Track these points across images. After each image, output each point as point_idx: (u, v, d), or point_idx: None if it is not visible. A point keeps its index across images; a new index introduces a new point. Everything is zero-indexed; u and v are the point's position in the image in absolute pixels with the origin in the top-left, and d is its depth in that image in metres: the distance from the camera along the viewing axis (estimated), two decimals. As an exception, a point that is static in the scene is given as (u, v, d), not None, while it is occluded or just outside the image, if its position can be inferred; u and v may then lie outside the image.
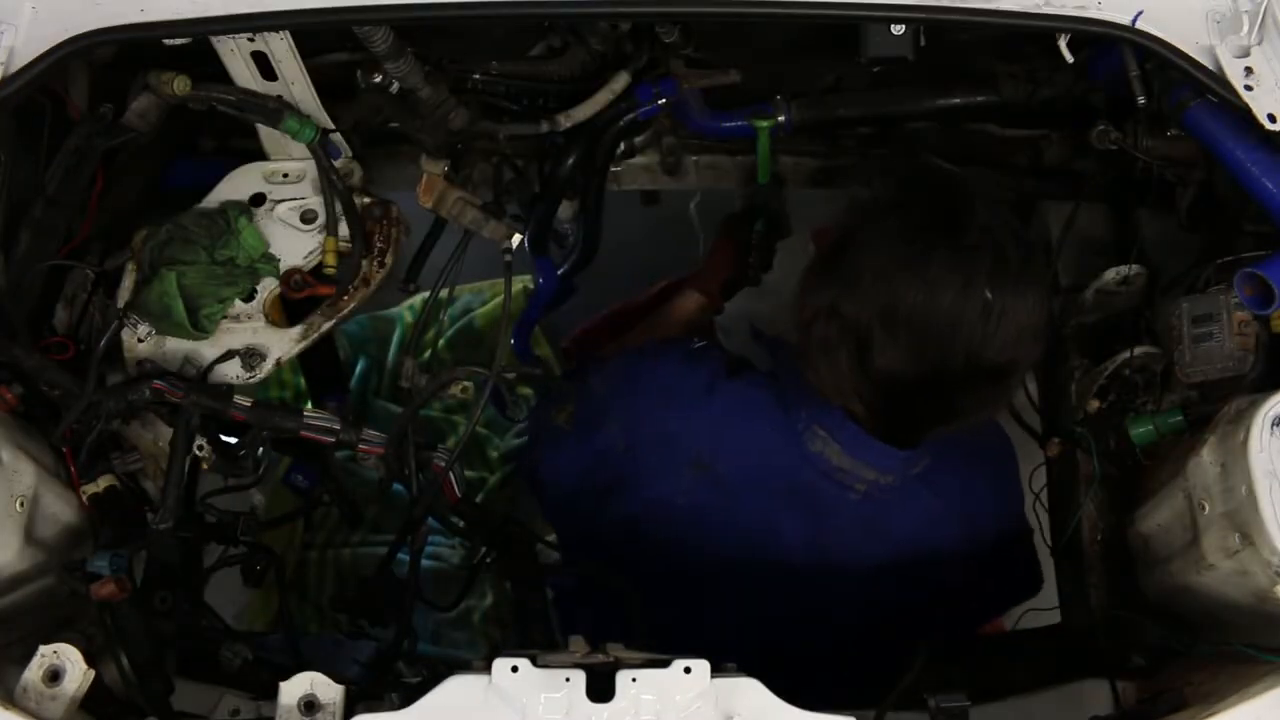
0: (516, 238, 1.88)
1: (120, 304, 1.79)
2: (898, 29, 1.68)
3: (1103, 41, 1.66)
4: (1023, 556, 2.08)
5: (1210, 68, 1.56)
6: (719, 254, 2.45)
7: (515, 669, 1.31)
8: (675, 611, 1.94)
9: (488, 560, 2.09)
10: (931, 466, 1.85)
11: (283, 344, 1.80)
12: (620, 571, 1.94)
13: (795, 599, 1.93)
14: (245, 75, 1.78)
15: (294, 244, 1.84)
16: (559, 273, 2.46)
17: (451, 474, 1.87)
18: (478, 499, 2.77)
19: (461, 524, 2.01)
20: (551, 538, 2.20)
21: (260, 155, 1.92)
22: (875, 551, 1.89)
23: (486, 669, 1.31)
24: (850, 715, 1.32)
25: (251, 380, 1.79)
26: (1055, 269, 2.19)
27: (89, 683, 1.37)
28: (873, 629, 1.95)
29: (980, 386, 1.72)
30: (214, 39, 1.70)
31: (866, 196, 1.82)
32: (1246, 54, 1.57)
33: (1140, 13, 1.57)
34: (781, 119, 2.14)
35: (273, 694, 1.35)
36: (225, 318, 1.79)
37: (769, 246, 2.37)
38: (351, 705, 1.35)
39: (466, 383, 1.87)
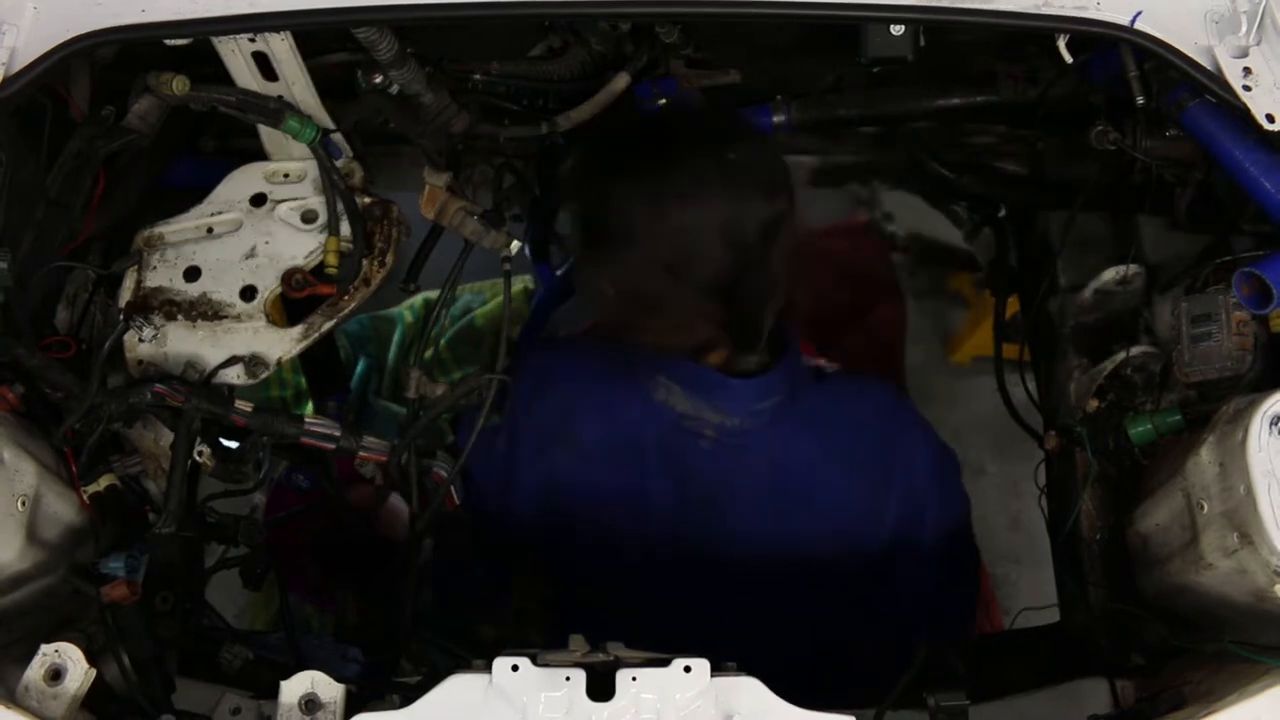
0: (515, 245, 1.89)
1: (121, 304, 1.79)
2: (897, 29, 1.68)
3: (1102, 42, 1.66)
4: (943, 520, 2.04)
5: (1209, 68, 1.57)
6: None
7: (515, 668, 1.31)
8: (605, 597, 1.96)
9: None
10: (788, 403, 1.86)
11: (283, 344, 1.80)
12: (541, 561, 1.99)
13: (696, 568, 1.93)
14: (246, 75, 1.78)
15: (295, 244, 1.84)
16: (559, 273, 2.46)
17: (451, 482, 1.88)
18: None
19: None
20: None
21: (261, 155, 1.92)
22: (748, 502, 1.90)
23: (486, 668, 1.32)
24: (850, 715, 1.32)
25: (253, 383, 1.79)
26: (1055, 269, 2.19)
27: (90, 682, 1.37)
28: (785, 590, 1.94)
29: (766, 250, 1.79)
30: (215, 39, 1.70)
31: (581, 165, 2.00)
32: (1245, 54, 1.57)
33: (1139, 13, 1.57)
34: (781, 119, 2.14)
35: (273, 693, 1.36)
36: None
37: None
38: (352, 704, 1.35)
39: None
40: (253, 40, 1.72)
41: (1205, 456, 1.56)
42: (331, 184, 1.83)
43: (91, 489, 1.67)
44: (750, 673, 1.35)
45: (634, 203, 1.82)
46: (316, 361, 2.48)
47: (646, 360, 1.89)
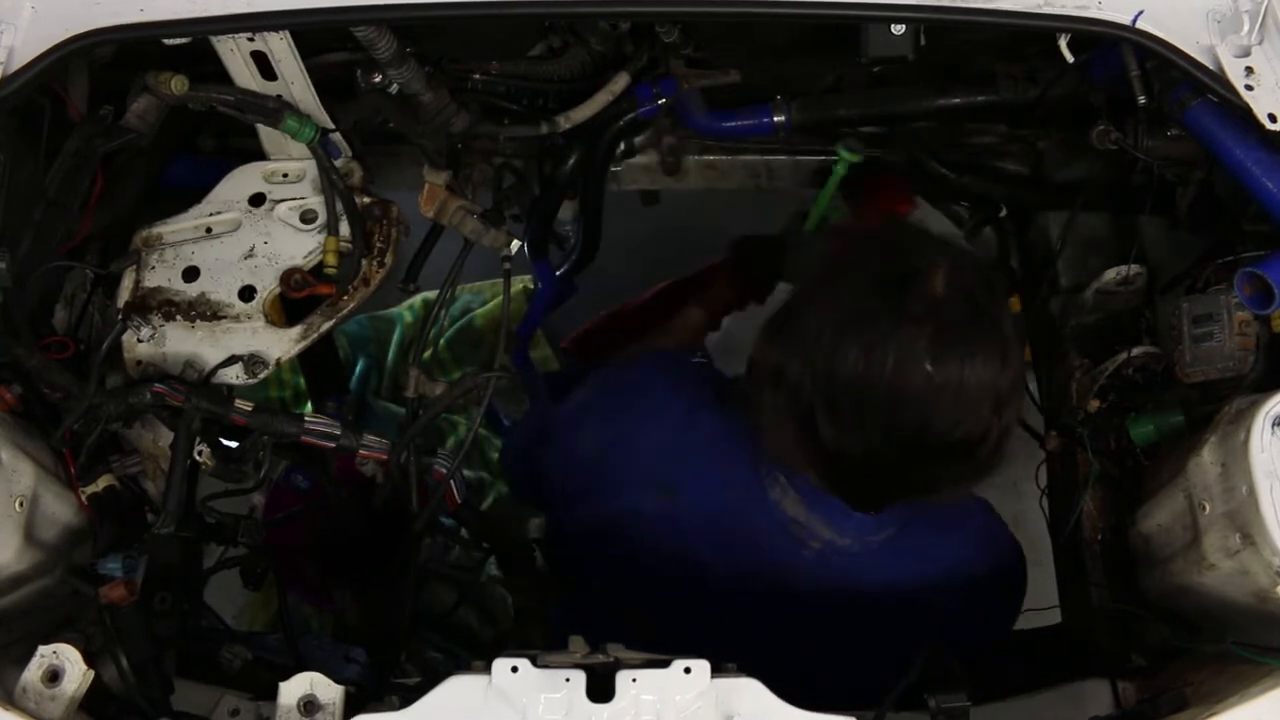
0: (515, 244, 1.88)
1: (120, 304, 1.79)
2: (898, 29, 1.68)
3: (1103, 41, 1.66)
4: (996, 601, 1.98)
5: (1211, 67, 1.56)
6: (726, 274, 2.42)
7: (515, 669, 1.31)
8: (643, 622, 1.89)
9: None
10: (898, 535, 1.76)
11: (282, 344, 1.79)
12: (587, 575, 1.93)
13: (757, 645, 1.81)
14: (245, 75, 1.78)
15: (294, 244, 1.84)
16: (559, 273, 2.46)
17: (452, 479, 1.88)
18: (484, 505, 2.77)
19: (462, 530, 2.01)
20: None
21: (260, 155, 1.92)
22: (827, 616, 1.81)
23: (486, 669, 1.31)
24: (850, 715, 1.32)
25: (252, 383, 1.79)
26: (1056, 269, 2.19)
27: (88, 683, 1.37)
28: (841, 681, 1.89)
29: (937, 462, 1.59)
30: (214, 39, 1.70)
31: (818, 253, 1.74)
32: (1247, 53, 1.57)
33: (1140, 12, 1.57)
34: (781, 119, 2.14)
35: (272, 694, 1.35)
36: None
37: (772, 281, 2.36)
38: (351, 705, 1.35)
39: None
40: (251, 39, 1.72)
41: (1207, 457, 1.56)
42: (330, 184, 1.83)
43: (90, 489, 1.67)
44: (750, 673, 1.35)
45: (837, 330, 1.56)
46: (316, 361, 2.48)
47: (769, 451, 1.73)
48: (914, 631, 1.81)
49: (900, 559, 1.77)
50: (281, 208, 1.86)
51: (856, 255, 1.64)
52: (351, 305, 1.83)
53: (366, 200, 1.88)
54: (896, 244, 1.63)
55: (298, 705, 1.34)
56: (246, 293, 1.81)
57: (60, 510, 1.60)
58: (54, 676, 1.35)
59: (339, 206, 1.83)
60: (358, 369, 3.05)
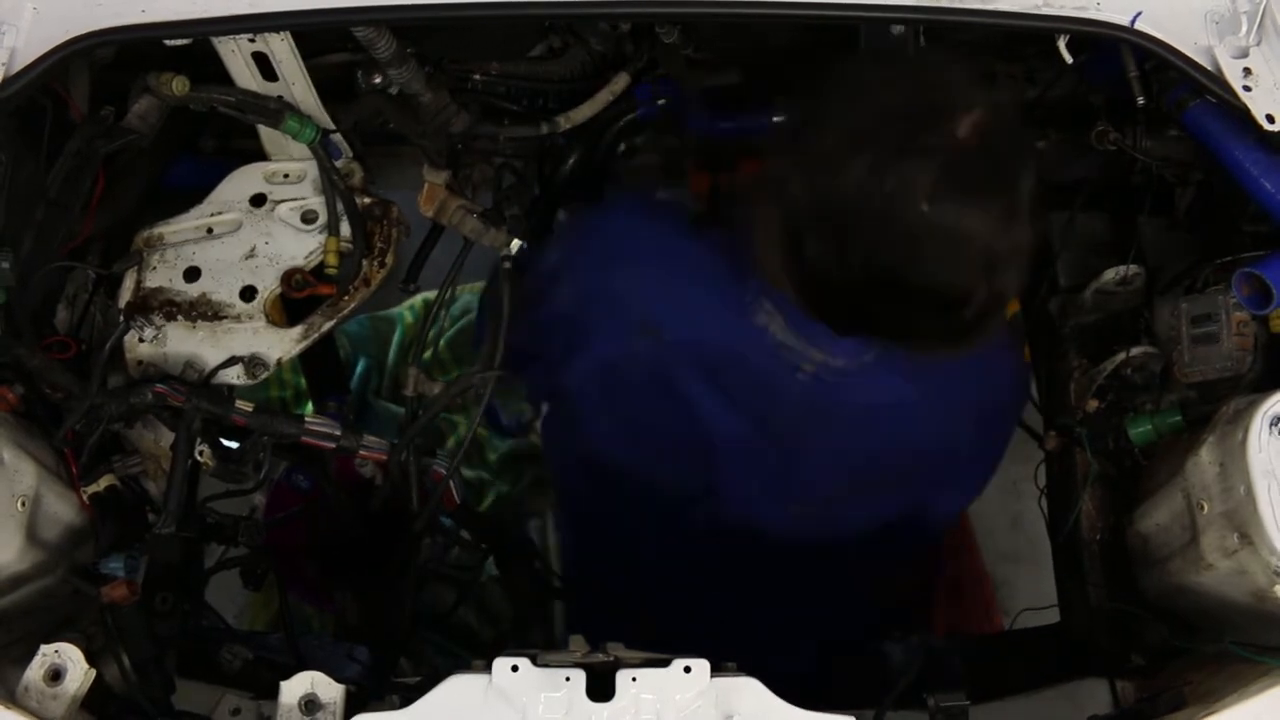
0: (516, 244, 1.89)
1: (121, 305, 1.79)
2: (897, 29, 1.68)
3: (1102, 42, 1.66)
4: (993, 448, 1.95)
5: (1209, 68, 1.57)
6: None
7: (515, 669, 1.31)
8: (635, 505, 1.88)
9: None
10: (891, 352, 1.69)
11: (283, 344, 1.80)
12: (583, 440, 1.89)
13: (752, 491, 1.83)
14: (246, 76, 1.78)
15: (295, 244, 1.84)
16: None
17: (451, 480, 1.88)
18: (483, 506, 2.77)
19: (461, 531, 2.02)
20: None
21: (261, 155, 1.92)
22: (828, 439, 1.77)
23: (486, 669, 1.32)
24: (850, 715, 1.32)
25: (253, 384, 1.79)
26: (1055, 269, 2.19)
27: (90, 682, 1.37)
28: (833, 529, 1.87)
29: (912, 307, 1.54)
30: (215, 39, 1.70)
31: (852, 71, 1.65)
32: (1245, 55, 1.57)
33: (1139, 13, 1.57)
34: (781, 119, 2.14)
35: (273, 693, 1.36)
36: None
37: None
38: (352, 705, 1.35)
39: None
40: (252, 40, 1.72)
41: (1205, 457, 1.56)
42: (331, 184, 1.84)
43: (91, 489, 1.67)
44: (751, 672, 1.35)
45: (846, 149, 1.50)
46: (316, 361, 2.48)
47: (756, 280, 1.68)
48: (919, 453, 1.80)
49: (895, 377, 1.72)
50: (282, 208, 1.86)
51: (892, 80, 1.58)
52: (352, 305, 1.83)
53: (367, 200, 1.88)
54: (935, 78, 1.57)
55: (299, 704, 1.35)
56: (247, 293, 1.81)
57: (62, 510, 1.61)
58: (56, 675, 1.36)
59: (340, 207, 1.84)
60: (358, 369, 3.05)
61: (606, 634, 1.41)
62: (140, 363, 1.77)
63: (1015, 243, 1.51)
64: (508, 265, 1.90)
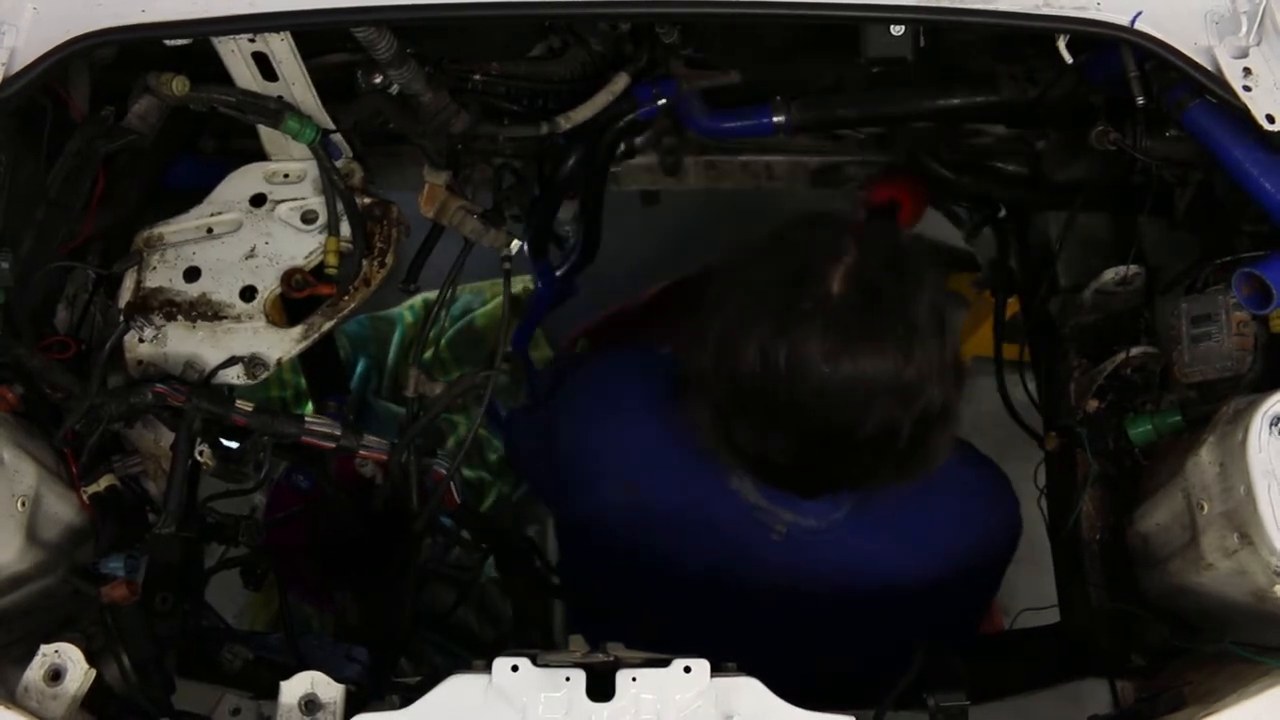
0: (515, 244, 1.89)
1: (121, 305, 1.79)
2: (897, 29, 1.68)
3: (1102, 42, 1.66)
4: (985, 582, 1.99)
5: (1209, 68, 1.57)
6: None
7: (515, 669, 1.31)
8: (634, 621, 1.92)
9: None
10: (863, 507, 1.73)
11: (283, 344, 1.80)
12: (587, 570, 1.92)
13: (749, 641, 1.80)
14: (246, 76, 1.78)
15: (295, 244, 1.84)
16: (559, 273, 2.46)
17: (451, 480, 1.88)
18: (484, 506, 2.78)
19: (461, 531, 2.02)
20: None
21: (261, 155, 1.92)
22: (808, 595, 1.81)
23: (486, 668, 1.32)
24: (850, 715, 1.32)
25: (252, 384, 1.79)
26: (1055, 269, 2.19)
27: (90, 682, 1.37)
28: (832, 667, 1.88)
29: (853, 457, 1.58)
30: (215, 39, 1.70)
31: (736, 252, 1.67)
32: (1245, 55, 1.57)
33: (1139, 13, 1.57)
34: (781, 119, 2.14)
35: (273, 693, 1.36)
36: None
37: None
38: (352, 704, 1.35)
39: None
40: (252, 40, 1.72)
41: (1205, 457, 1.56)
42: (331, 184, 1.84)
43: (91, 489, 1.67)
44: (750, 673, 1.35)
45: (737, 329, 1.54)
46: (316, 361, 2.49)
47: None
48: (896, 608, 1.81)
49: (869, 532, 1.75)
50: (282, 208, 1.86)
51: (765, 253, 1.61)
52: (352, 305, 1.83)
53: (367, 201, 1.88)
54: (802, 240, 1.60)
55: (299, 704, 1.35)
56: (247, 293, 1.81)
57: (62, 510, 1.61)
58: (56, 675, 1.36)
59: (340, 207, 1.83)
60: (358, 369, 3.05)
61: (606, 634, 1.41)
62: (140, 363, 1.77)
63: (925, 366, 1.53)
64: (508, 265, 1.91)
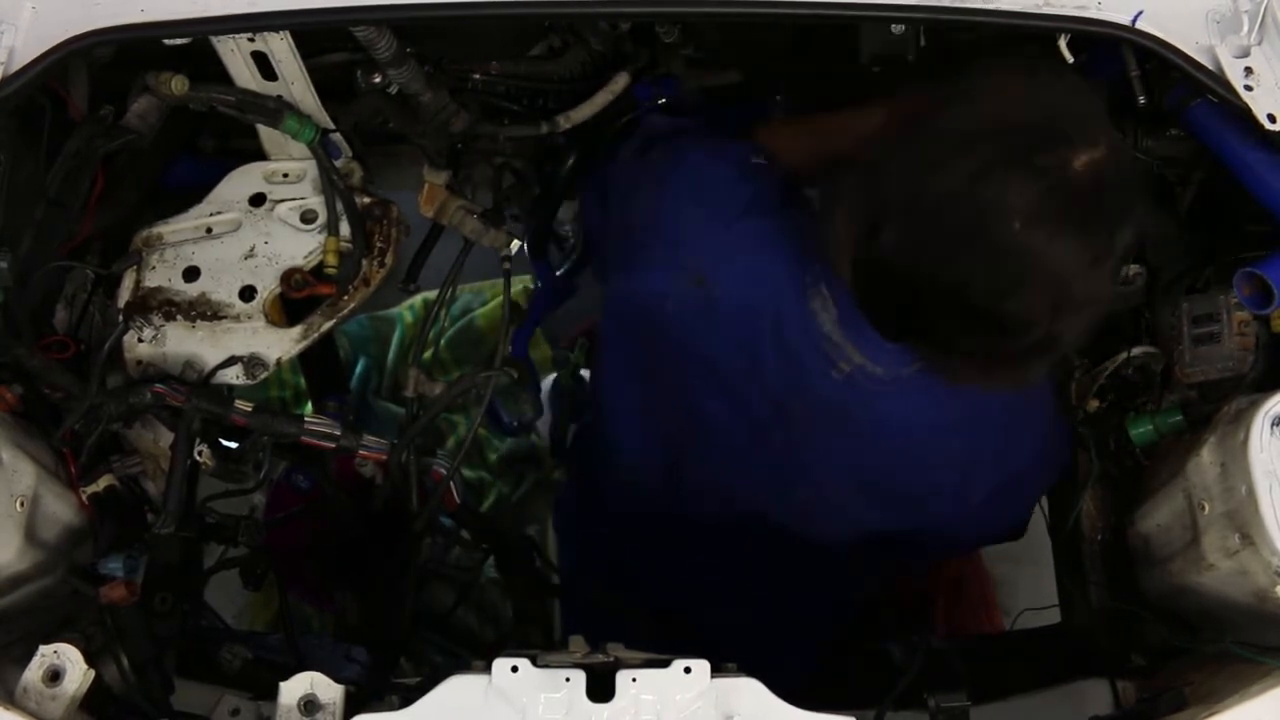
0: (515, 244, 1.88)
1: (120, 305, 1.79)
2: (897, 29, 1.68)
3: (1103, 41, 1.66)
4: (1014, 506, 1.95)
5: (1210, 68, 1.57)
6: None
7: (515, 669, 1.31)
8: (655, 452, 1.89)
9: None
10: (930, 376, 1.66)
11: (283, 344, 1.80)
12: (622, 346, 1.88)
13: (767, 464, 1.81)
14: (245, 75, 1.78)
15: (294, 244, 1.84)
16: (559, 273, 2.46)
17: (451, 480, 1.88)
18: (484, 507, 2.78)
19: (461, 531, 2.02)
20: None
21: (260, 155, 1.92)
22: (843, 442, 1.75)
23: (486, 669, 1.32)
24: (850, 715, 1.32)
25: (252, 384, 1.79)
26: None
27: (89, 682, 1.37)
28: (832, 528, 1.86)
29: (968, 321, 1.50)
30: (214, 39, 1.70)
31: (981, 72, 1.57)
32: (1246, 54, 1.57)
33: (1140, 13, 1.57)
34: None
35: (273, 694, 1.36)
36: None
37: None
38: (352, 705, 1.35)
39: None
40: (252, 40, 1.72)
41: (1206, 457, 1.56)
42: (331, 184, 1.83)
43: (91, 489, 1.67)
44: (750, 673, 1.35)
45: (952, 149, 1.46)
46: (316, 361, 2.48)
47: (821, 258, 1.64)
48: (929, 490, 1.79)
49: (931, 396, 1.68)
50: (282, 208, 1.86)
51: (1020, 93, 1.52)
52: (352, 305, 1.83)
53: (367, 200, 1.88)
54: (1067, 105, 1.52)
55: (298, 705, 1.35)
56: (247, 293, 1.81)
57: (61, 510, 1.61)
58: (55, 676, 1.36)
59: (339, 206, 1.83)
60: (358, 369, 3.05)
61: (606, 634, 1.41)
62: (140, 363, 1.77)
63: (1092, 290, 1.49)
64: (508, 265, 1.90)
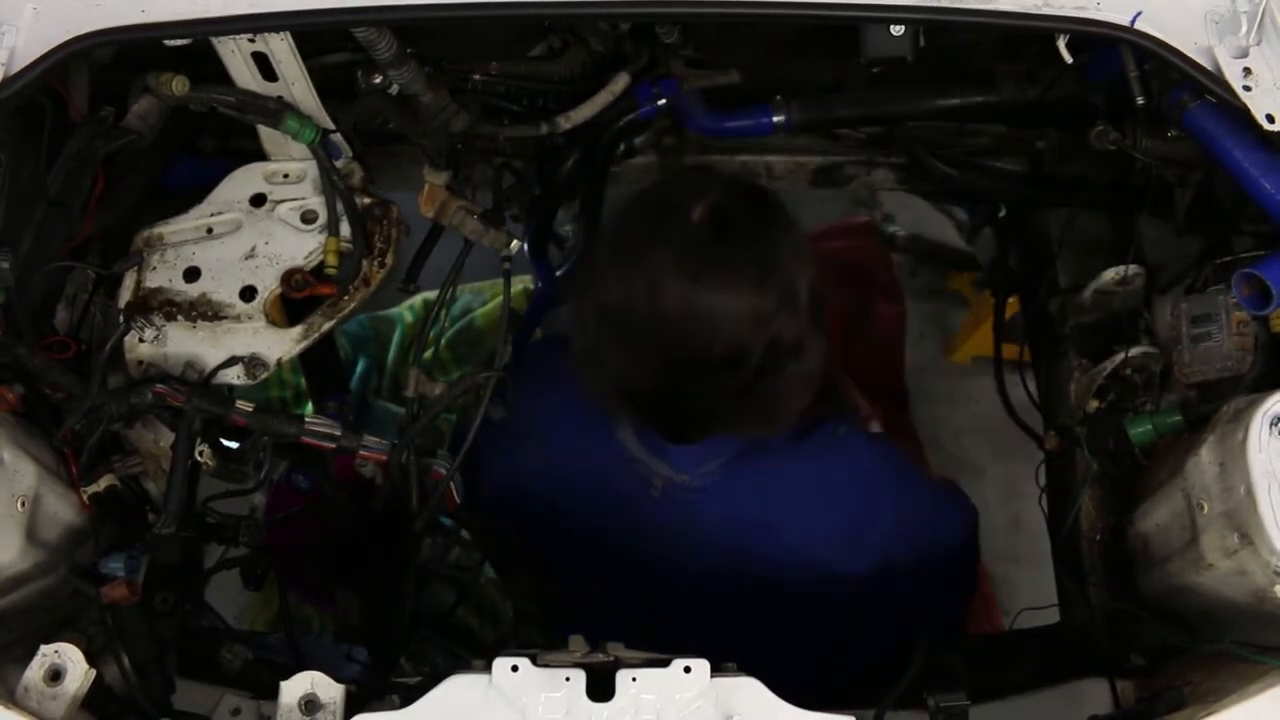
0: (515, 244, 1.89)
1: (121, 305, 1.79)
2: (897, 29, 1.68)
3: (1102, 42, 1.66)
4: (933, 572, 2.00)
5: (1209, 68, 1.57)
6: None
7: (515, 669, 1.31)
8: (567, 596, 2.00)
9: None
10: (733, 464, 1.79)
11: (283, 344, 1.80)
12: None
13: (656, 596, 1.92)
14: (246, 76, 1.78)
15: (295, 244, 1.84)
16: (559, 273, 2.46)
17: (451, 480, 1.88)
18: None
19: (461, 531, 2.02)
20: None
21: (261, 155, 1.92)
22: (692, 557, 1.86)
23: (486, 668, 1.32)
24: (850, 715, 1.32)
25: (252, 384, 1.79)
26: (1054, 269, 2.19)
27: (90, 682, 1.37)
28: (757, 616, 1.90)
29: (705, 382, 1.66)
30: (214, 39, 1.70)
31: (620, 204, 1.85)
32: (1245, 55, 1.57)
33: (1139, 13, 1.57)
34: (781, 119, 2.14)
35: (273, 693, 1.36)
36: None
37: None
38: (352, 704, 1.35)
39: None
40: (252, 40, 1.72)
41: (1205, 457, 1.56)
42: (331, 184, 1.84)
43: (91, 489, 1.67)
44: (750, 673, 1.35)
45: (607, 262, 1.71)
46: (316, 361, 2.49)
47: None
48: (779, 572, 1.85)
49: (739, 491, 1.81)
50: (282, 208, 1.86)
51: (638, 198, 1.77)
52: (352, 305, 1.83)
53: (367, 200, 1.88)
54: (670, 182, 1.78)
55: (299, 704, 1.35)
56: (247, 293, 1.81)
57: (62, 510, 1.61)
58: (56, 676, 1.36)
59: (340, 207, 1.84)
60: (358, 369, 3.05)
61: (606, 634, 1.41)
62: (140, 363, 1.77)
63: (775, 298, 1.63)
64: (508, 265, 1.91)
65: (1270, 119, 1.54)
